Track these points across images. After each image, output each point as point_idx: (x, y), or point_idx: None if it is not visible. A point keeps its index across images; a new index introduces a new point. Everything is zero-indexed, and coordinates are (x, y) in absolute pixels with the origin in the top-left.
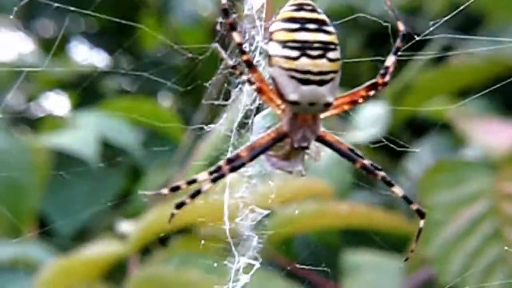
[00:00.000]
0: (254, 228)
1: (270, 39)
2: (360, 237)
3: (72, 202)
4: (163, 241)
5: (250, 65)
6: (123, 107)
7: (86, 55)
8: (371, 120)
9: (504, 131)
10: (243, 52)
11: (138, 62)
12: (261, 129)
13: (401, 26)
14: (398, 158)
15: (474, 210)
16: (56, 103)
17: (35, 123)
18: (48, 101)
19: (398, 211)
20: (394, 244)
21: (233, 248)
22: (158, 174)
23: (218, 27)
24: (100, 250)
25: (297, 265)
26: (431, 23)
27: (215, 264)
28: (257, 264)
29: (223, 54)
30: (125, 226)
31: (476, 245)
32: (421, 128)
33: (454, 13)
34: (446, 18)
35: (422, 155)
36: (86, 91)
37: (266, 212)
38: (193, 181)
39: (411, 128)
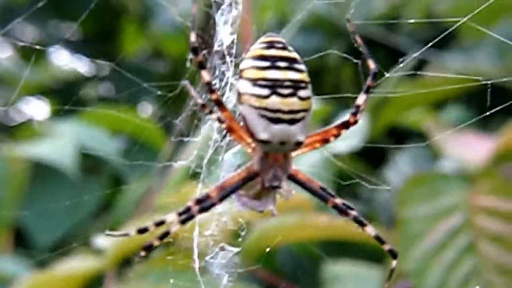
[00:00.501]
0: (224, 266)
1: (240, 77)
2: (341, 248)
3: (51, 213)
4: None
5: (219, 104)
6: (102, 116)
7: (67, 62)
8: (351, 131)
9: (479, 144)
10: (212, 91)
11: (119, 69)
12: (231, 166)
13: (372, 64)
14: (377, 168)
15: (450, 223)
16: (36, 109)
17: (12, 130)
18: (27, 107)
19: (377, 221)
20: (373, 254)
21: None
22: (138, 183)
23: (188, 64)
24: (76, 265)
25: (279, 278)
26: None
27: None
28: None
29: (192, 92)
30: (102, 240)
31: (452, 258)
32: (401, 139)
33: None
34: None
35: (401, 165)
36: (66, 97)
37: (236, 249)
38: (161, 223)
39: (391, 139)
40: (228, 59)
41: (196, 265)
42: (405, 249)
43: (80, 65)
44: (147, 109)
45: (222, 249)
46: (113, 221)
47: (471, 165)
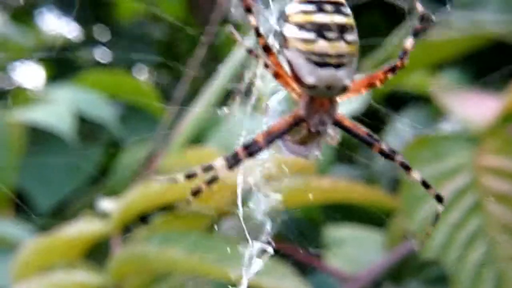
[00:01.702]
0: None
1: (286, 21)
2: (342, 212)
3: (50, 178)
4: (144, 218)
5: (266, 48)
6: (99, 80)
7: (55, 25)
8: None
9: (483, 103)
10: (259, 35)
11: (113, 34)
12: (275, 113)
13: (419, 7)
14: (377, 132)
15: (455, 184)
16: (29, 74)
17: (7, 95)
18: (18, 72)
19: (379, 185)
20: (375, 218)
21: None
22: (137, 148)
23: (232, 10)
24: (81, 228)
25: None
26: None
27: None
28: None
29: (238, 37)
30: (107, 204)
31: (458, 218)
32: (401, 102)
33: None
34: None
35: (401, 129)
36: (60, 63)
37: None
38: (209, 168)
39: (391, 102)
40: (271, 4)
41: (240, 211)
42: (410, 211)
43: (70, 29)
44: (143, 74)
45: (266, 195)
46: (113, 185)
47: (476, 125)
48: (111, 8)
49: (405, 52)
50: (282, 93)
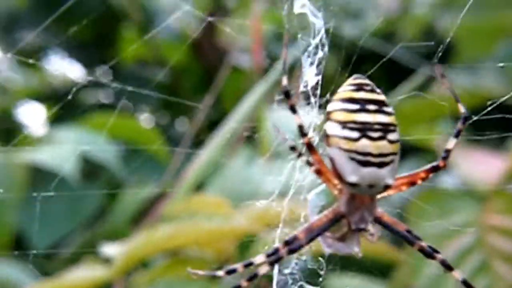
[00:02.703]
0: None
1: (328, 119)
2: (343, 261)
3: (49, 218)
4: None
5: (310, 147)
6: (102, 122)
7: (62, 68)
8: None
9: (487, 162)
10: (303, 134)
11: (116, 76)
12: (315, 207)
13: (462, 109)
14: None
15: (462, 242)
16: (34, 115)
17: (12, 136)
18: (22, 113)
19: (384, 238)
20: (379, 269)
21: None
22: (137, 190)
23: (275, 104)
24: (84, 274)
25: None
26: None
27: None
28: None
29: (283, 134)
30: (109, 249)
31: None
32: (403, 156)
33: None
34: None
35: None
36: (64, 104)
37: None
38: (250, 264)
39: None
40: (312, 99)
41: None
42: (416, 267)
43: (75, 71)
44: (146, 118)
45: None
46: (112, 227)
47: (482, 183)
48: (114, 50)
49: (448, 152)
50: (321, 187)
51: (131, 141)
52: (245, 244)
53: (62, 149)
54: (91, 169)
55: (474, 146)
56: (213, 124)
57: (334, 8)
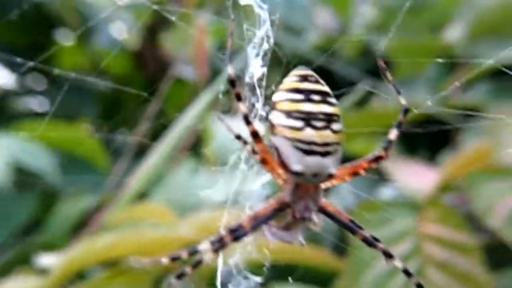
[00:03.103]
0: None
1: (274, 109)
2: (287, 271)
3: None
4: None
5: (255, 136)
6: (36, 130)
7: None
8: None
9: (423, 173)
10: (248, 123)
11: (51, 84)
12: (260, 197)
13: (403, 101)
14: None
15: (400, 249)
16: None
17: None
18: None
19: (324, 246)
20: (320, 279)
21: None
22: (76, 200)
23: (220, 96)
24: (17, 286)
25: None
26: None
27: None
28: None
29: (226, 122)
30: (46, 259)
31: (401, 284)
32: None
33: None
34: None
35: (343, 192)
36: None
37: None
38: (195, 252)
39: None
40: (258, 91)
41: None
42: (356, 274)
43: (3, 77)
44: (86, 128)
45: (246, 278)
46: (47, 239)
47: (418, 194)
48: (50, 58)
49: (389, 143)
50: (266, 177)
51: (69, 150)
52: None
53: None
54: (24, 178)
55: (409, 158)
56: (155, 135)
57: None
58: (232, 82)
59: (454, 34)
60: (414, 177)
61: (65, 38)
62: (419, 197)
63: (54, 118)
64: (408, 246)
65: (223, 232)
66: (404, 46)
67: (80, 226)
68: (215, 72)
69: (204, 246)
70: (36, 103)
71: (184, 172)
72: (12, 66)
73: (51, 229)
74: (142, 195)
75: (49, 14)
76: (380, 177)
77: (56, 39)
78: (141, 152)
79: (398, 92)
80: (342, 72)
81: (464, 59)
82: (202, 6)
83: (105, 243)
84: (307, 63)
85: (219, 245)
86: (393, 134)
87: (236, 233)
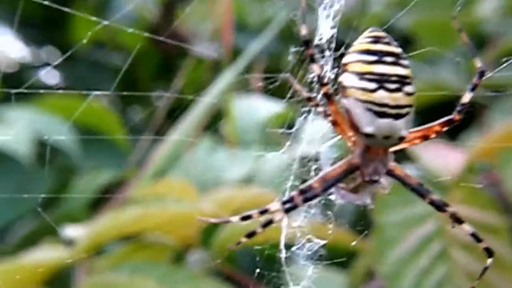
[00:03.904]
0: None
1: (345, 70)
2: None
3: None
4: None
5: (329, 97)
6: (57, 104)
7: (9, 47)
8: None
9: (449, 155)
10: (323, 84)
11: (67, 58)
12: (328, 159)
13: (478, 63)
14: None
15: (424, 230)
16: None
17: None
18: None
19: (342, 223)
20: (338, 257)
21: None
22: (95, 175)
23: (290, 57)
24: (44, 255)
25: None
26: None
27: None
28: None
29: (297, 85)
30: (72, 231)
31: (425, 264)
32: None
33: None
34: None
35: None
36: (14, 84)
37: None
38: (265, 211)
39: None
40: (327, 53)
41: (283, 254)
42: (380, 253)
43: (23, 51)
44: (99, 101)
45: (309, 240)
46: (68, 212)
47: (444, 175)
48: (65, 31)
49: (463, 105)
50: (333, 140)
51: (90, 125)
52: (209, 231)
53: (16, 130)
54: (45, 152)
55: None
56: (172, 112)
57: None
58: (306, 43)
59: (486, 8)
60: (440, 158)
61: (81, 12)
62: (445, 178)
63: (70, 93)
64: (432, 227)
65: (294, 192)
66: (429, 22)
67: (101, 201)
68: (235, 51)
69: (275, 206)
70: (53, 78)
71: (204, 149)
72: (30, 40)
73: (70, 202)
74: (162, 172)
75: None
76: (405, 157)
77: (73, 13)
78: (161, 129)
79: (474, 55)
80: None
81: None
82: None
83: (129, 217)
84: None
85: (289, 205)
86: (467, 97)
87: (307, 194)
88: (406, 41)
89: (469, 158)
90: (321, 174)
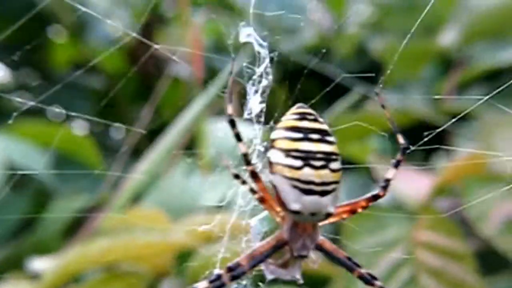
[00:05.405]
0: None
1: (272, 147)
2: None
3: None
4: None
5: (254, 175)
6: (30, 129)
7: None
8: None
9: (418, 179)
10: (248, 163)
11: (47, 81)
12: (258, 233)
13: (401, 140)
14: None
15: (393, 256)
16: None
17: None
18: None
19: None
20: (311, 283)
21: None
22: (68, 201)
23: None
24: None
25: None
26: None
27: None
28: None
29: (225, 161)
30: (39, 263)
31: None
32: None
33: None
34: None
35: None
36: None
37: None
38: None
39: None
40: (256, 127)
41: None
42: (350, 280)
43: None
44: (79, 126)
45: None
46: (40, 241)
47: (412, 200)
48: (44, 53)
49: (387, 181)
50: (264, 213)
51: (63, 150)
52: (183, 259)
53: None
54: (17, 178)
55: (403, 164)
56: (151, 134)
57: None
58: (231, 122)
59: (448, 37)
60: (410, 183)
61: (59, 35)
62: (413, 203)
63: (46, 116)
64: (401, 253)
65: (221, 270)
66: (397, 49)
67: (74, 228)
68: (211, 71)
69: (203, 285)
70: (29, 99)
71: (178, 174)
72: (6, 62)
73: (44, 230)
74: (137, 197)
75: (42, 11)
76: (374, 182)
77: (50, 36)
78: (137, 152)
79: (395, 132)
80: (337, 75)
81: (459, 61)
82: (197, 5)
83: (100, 248)
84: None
85: (217, 283)
86: (391, 173)
87: (235, 272)
88: (377, 66)
89: (436, 183)
90: (249, 251)
